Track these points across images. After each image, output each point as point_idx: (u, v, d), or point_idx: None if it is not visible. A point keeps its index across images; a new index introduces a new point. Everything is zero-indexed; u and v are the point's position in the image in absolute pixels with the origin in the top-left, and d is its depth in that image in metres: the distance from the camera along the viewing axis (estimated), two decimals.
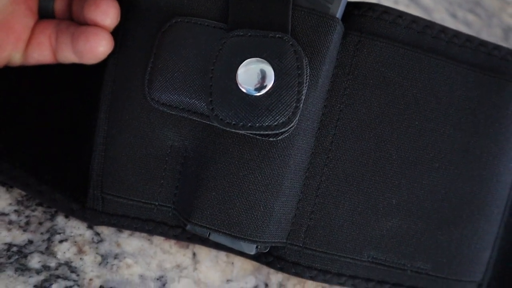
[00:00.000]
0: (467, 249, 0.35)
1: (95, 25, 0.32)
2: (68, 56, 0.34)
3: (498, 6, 0.63)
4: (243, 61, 0.29)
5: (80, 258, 0.33)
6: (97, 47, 0.32)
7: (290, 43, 0.29)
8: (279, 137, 0.30)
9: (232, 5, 0.30)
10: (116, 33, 0.34)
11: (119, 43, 0.33)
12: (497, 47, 0.34)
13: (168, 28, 0.31)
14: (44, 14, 0.36)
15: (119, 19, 0.33)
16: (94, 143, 0.33)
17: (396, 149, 0.33)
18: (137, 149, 0.33)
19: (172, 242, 0.35)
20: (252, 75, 0.29)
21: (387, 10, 0.33)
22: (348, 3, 0.33)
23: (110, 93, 0.33)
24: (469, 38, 0.34)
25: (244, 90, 0.29)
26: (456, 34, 0.34)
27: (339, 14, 0.31)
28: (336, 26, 0.30)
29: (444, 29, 0.34)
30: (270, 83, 0.29)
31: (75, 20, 0.35)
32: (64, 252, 0.33)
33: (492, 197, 0.35)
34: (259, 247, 0.33)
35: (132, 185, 0.33)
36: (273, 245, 0.33)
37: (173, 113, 0.31)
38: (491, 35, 0.59)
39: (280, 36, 0.29)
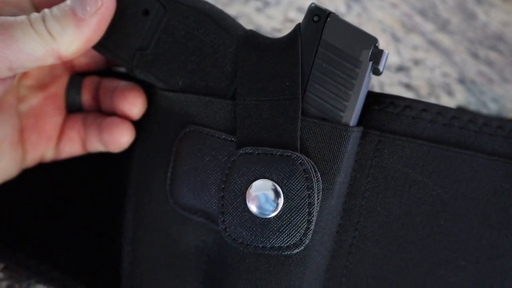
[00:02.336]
0: None
1: (124, 115, 0.35)
2: (96, 146, 0.36)
3: None
4: (252, 181, 0.29)
5: None
6: (120, 138, 0.35)
7: (299, 161, 0.28)
8: (294, 251, 0.29)
9: (238, 118, 0.30)
10: (141, 123, 0.35)
11: (142, 139, 0.35)
12: None
13: (183, 136, 0.32)
14: (72, 107, 0.38)
15: (146, 107, 0.35)
16: (123, 245, 0.35)
17: (420, 249, 0.32)
18: (163, 250, 0.34)
19: None
20: (262, 197, 0.29)
21: (410, 104, 0.31)
22: (368, 95, 0.31)
23: (134, 195, 0.35)
24: (501, 125, 0.32)
25: (254, 212, 0.29)
26: (487, 122, 0.32)
27: (353, 121, 0.30)
28: (350, 136, 0.29)
29: (473, 118, 0.32)
30: (280, 205, 0.28)
31: (102, 109, 0.37)
32: None
33: None
34: None
35: (160, 285, 0.34)
36: None
37: (193, 218, 0.32)
38: None
39: (288, 154, 0.28)
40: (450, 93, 0.54)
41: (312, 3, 0.30)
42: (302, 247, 0.29)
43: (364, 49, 0.29)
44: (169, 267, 0.34)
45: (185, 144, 0.32)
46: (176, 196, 0.32)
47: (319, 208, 0.30)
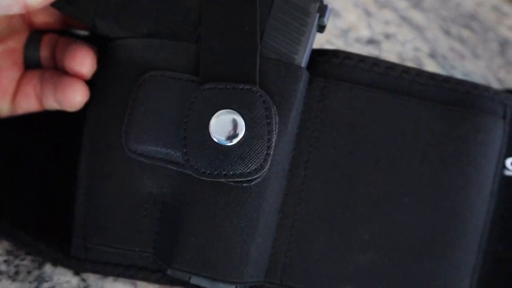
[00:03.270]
0: (443, 280, 0.35)
1: (74, 74, 0.35)
2: (52, 104, 0.36)
3: (494, 19, 0.62)
4: (215, 112, 0.31)
5: None
6: (73, 97, 0.34)
7: (259, 93, 0.31)
8: (253, 183, 0.31)
9: (202, 59, 0.32)
10: (96, 80, 0.35)
11: (99, 92, 0.35)
12: (460, 82, 0.36)
13: (143, 82, 0.33)
14: (31, 64, 0.37)
15: (95, 67, 0.35)
16: (76, 193, 0.35)
17: (366, 186, 0.35)
18: (117, 198, 0.34)
19: (156, 285, 0.36)
20: (224, 125, 0.30)
21: (348, 55, 0.35)
22: (313, 51, 0.34)
23: (89, 144, 0.35)
24: (432, 76, 0.36)
25: (216, 141, 0.30)
26: (419, 72, 0.36)
27: (304, 63, 0.33)
28: (302, 75, 0.33)
29: (406, 69, 0.35)
30: (241, 133, 0.30)
31: (59, 67, 0.37)
32: None
33: (465, 228, 0.36)
34: (237, 287, 0.34)
35: (113, 233, 0.34)
36: (251, 284, 0.34)
37: (150, 162, 0.32)
38: (487, 50, 0.58)
39: (249, 87, 0.31)
40: (420, 66, 0.54)
41: None
42: (262, 173, 0.31)
43: (312, 2, 0.33)
44: (123, 217, 0.34)
45: (145, 89, 0.33)
46: (132, 142, 0.32)
47: (275, 141, 0.32)
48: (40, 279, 0.35)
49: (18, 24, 0.37)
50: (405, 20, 0.58)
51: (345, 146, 0.35)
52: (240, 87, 0.31)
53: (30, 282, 0.35)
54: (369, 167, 0.35)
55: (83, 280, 0.36)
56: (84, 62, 0.34)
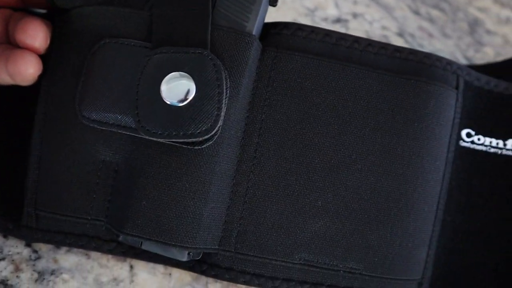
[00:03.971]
0: (399, 248, 0.35)
1: (26, 47, 0.34)
2: (5, 78, 0.35)
3: (464, 0, 0.62)
4: (166, 75, 0.31)
5: (17, 276, 0.34)
6: (25, 70, 0.33)
7: (209, 57, 0.31)
8: (204, 145, 0.31)
9: (155, 26, 0.33)
10: (49, 53, 0.34)
11: (52, 64, 0.34)
12: (413, 52, 0.36)
13: (97, 49, 0.33)
14: None
15: (48, 41, 0.34)
16: (28, 162, 0.34)
17: (318, 153, 0.35)
18: (70, 166, 0.34)
19: (110, 255, 0.36)
20: (175, 87, 0.31)
21: (300, 27, 0.36)
22: (265, 24, 0.36)
23: (43, 113, 0.34)
24: (383, 46, 0.36)
25: (168, 102, 0.31)
26: (370, 43, 0.36)
27: (255, 31, 0.34)
28: (252, 42, 0.33)
29: (357, 40, 0.36)
30: (192, 94, 0.31)
31: (12, 42, 0.36)
32: (1, 271, 0.34)
33: (420, 195, 0.36)
34: (191, 254, 0.34)
35: (65, 201, 0.34)
36: (205, 251, 0.34)
37: (103, 128, 0.32)
38: (456, 30, 0.58)
39: (200, 51, 0.31)
40: None
41: None
42: (213, 134, 0.31)
43: None
44: (75, 185, 0.34)
45: (99, 56, 0.33)
46: (86, 109, 0.32)
47: (227, 106, 0.32)
48: None
49: None
50: (374, 0, 0.58)
51: (297, 114, 0.35)
52: (191, 51, 0.31)
53: None
54: (320, 134, 0.35)
55: (35, 251, 0.35)
56: (36, 36, 0.33)
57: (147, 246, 0.33)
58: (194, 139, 0.31)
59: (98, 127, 0.32)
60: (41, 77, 0.34)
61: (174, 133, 0.31)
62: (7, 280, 0.33)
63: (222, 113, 0.31)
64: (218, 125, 0.31)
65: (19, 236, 0.34)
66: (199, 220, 0.32)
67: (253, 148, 0.35)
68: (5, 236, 0.35)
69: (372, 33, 0.54)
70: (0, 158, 0.36)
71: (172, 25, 0.32)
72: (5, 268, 0.34)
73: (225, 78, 0.32)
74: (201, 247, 0.33)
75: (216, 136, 0.32)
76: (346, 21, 0.54)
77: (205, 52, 0.31)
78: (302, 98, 0.35)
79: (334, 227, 0.35)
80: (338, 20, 0.54)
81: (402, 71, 0.36)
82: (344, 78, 0.35)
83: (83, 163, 0.33)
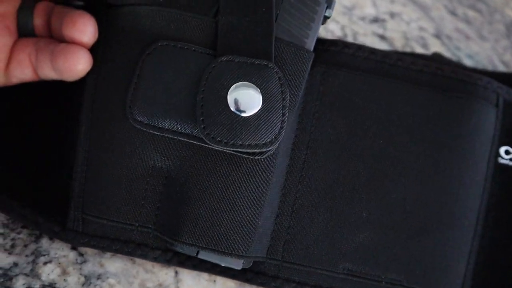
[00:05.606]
0: (439, 260, 0.36)
1: (73, 42, 0.33)
2: (48, 73, 0.35)
3: (501, 1, 0.61)
4: (233, 84, 0.31)
5: (64, 280, 0.34)
6: (76, 65, 0.33)
7: (275, 70, 0.32)
8: (264, 155, 0.32)
9: (220, 33, 0.33)
10: (96, 49, 0.34)
11: (99, 61, 0.34)
12: (454, 70, 0.38)
13: (152, 51, 0.32)
14: (24, 32, 0.36)
15: (97, 36, 0.34)
16: (74, 164, 0.34)
17: (364, 165, 0.36)
18: (118, 170, 0.33)
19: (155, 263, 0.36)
20: (242, 97, 0.31)
21: (347, 44, 0.37)
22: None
23: (90, 113, 0.34)
24: (426, 64, 0.38)
25: (234, 111, 0.31)
26: (413, 61, 0.38)
27: (312, 48, 0.35)
28: (311, 58, 0.34)
29: (401, 58, 0.38)
30: (258, 105, 0.31)
31: (54, 36, 0.36)
32: (48, 274, 0.34)
33: (460, 209, 0.37)
34: (244, 262, 0.34)
35: (112, 206, 0.33)
36: (256, 259, 0.34)
37: (157, 133, 0.32)
38: (493, 32, 0.57)
39: (265, 63, 0.32)
40: (425, 46, 0.53)
41: None
42: (274, 146, 0.31)
43: None
44: (123, 190, 0.33)
45: (154, 58, 0.32)
46: (138, 112, 0.32)
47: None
48: (37, 253, 0.34)
49: None
50: None
51: (344, 127, 0.36)
52: (257, 62, 0.32)
53: (26, 256, 0.34)
54: (367, 147, 0.36)
55: (81, 254, 0.35)
56: (85, 30, 0.33)
57: (203, 255, 0.33)
58: (256, 150, 0.31)
59: (151, 131, 0.32)
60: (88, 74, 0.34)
61: (239, 142, 0.31)
62: (55, 284, 0.33)
63: (285, 126, 0.32)
64: (281, 138, 0.31)
65: (65, 239, 0.34)
66: (255, 229, 0.33)
67: (301, 159, 0.36)
68: (51, 239, 0.35)
69: (410, 34, 0.53)
70: (46, 158, 0.36)
71: (237, 34, 0.32)
72: (52, 271, 0.34)
73: (288, 91, 0.32)
74: (254, 255, 0.34)
75: (276, 147, 0.32)
76: (383, 21, 0.54)
77: (270, 65, 0.32)
78: (349, 112, 0.36)
79: (378, 238, 0.36)
80: (375, 20, 0.53)
81: (445, 87, 0.37)
82: (389, 93, 0.37)
83: (132, 167, 0.33)
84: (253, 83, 0.31)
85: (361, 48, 0.37)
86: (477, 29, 0.57)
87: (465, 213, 0.37)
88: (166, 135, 0.32)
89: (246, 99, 0.31)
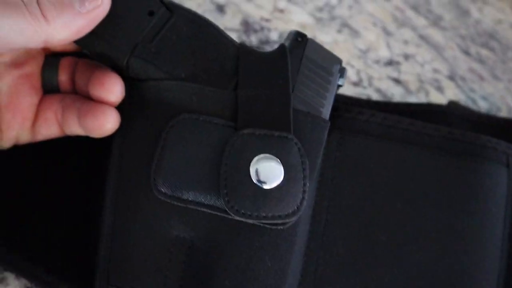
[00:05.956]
0: None
1: (101, 101, 0.34)
2: (75, 130, 0.35)
3: None
4: (255, 156, 0.32)
5: None
6: (104, 124, 0.33)
7: (294, 141, 0.33)
8: (286, 225, 0.32)
9: (240, 106, 0.33)
10: (121, 112, 0.34)
11: (124, 130, 0.34)
12: (463, 133, 0.40)
13: (175, 124, 0.33)
14: (49, 89, 0.37)
15: (124, 93, 0.34)
16: (100, 233, 0.34)
17: (383, 231, 0.37)
18: (143, 240, 0.33)
19: None
20: (264, 169, 0.32)
21: (361, 111, 0.39)
22: None
23: (115, 182, 0.34)
24: (437, 128, 0.39)
25: (257, 183, 0.32)
26: (425, 126, 0.39)
27: (328, 116, 0.36)
28: (327, 127, 0.35)
29: (413, 122, 0.39)
30: (280, 177, 0.32)
31: (78, 91, 0.36)
32: None
33: (479, 271, 0.37)
34: None
35: (137, 277, 0.33)
36: None
37: (181, 205, 0.32)
38: (506, 71, 0.57)
39: (285, 135, 0.33)
40: (439, 89, 0.53)
41: (292, 29, 0.38)
42: (297, 216, 0.32)
43: (334, 64, 0.37)
44: (147, 260, 0.33)
45: (177, 131, 0.33)
46: (162, 184, 0.32)
47: None
48: None
49: (34, 49, 0.36)
50: (424, 39, 0.57)
51: (362, 193, 0.37)
52: (277, 134, 0.32)
53: None
54: (385, 212, 0.37)
55: None
56: (113, 90, 0.33)
57: None
58: (279, 221, 0.32)
59: (175, 203, 0.32)
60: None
61: (263, 214, 0.31)
62: None
63: (306, 196, 0.32)
64: (303, 207, 0.32)
65: None
66: None
67: (321, 225, 0.37)
68: None
69: (424, 76, 0.54)
70: (70, 223, 0.36)
71: (257, 106, 0.33)
72: None
73: (307, 162, 0.33)
74: None
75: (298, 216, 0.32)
76: (398, 63, 0.54)
77: (290, 136, 0.32)
78: (365, 178, 0.38)
79: None
80: (390, 63, 0.54)
81: (457, 151, 0.39)
82: (403, 158, 0.38)
83: (156, 237, 0.33)
84: (274, 155, 0.32)
85: (374, 114, 0.39)
86: (491, 68, 0.57)
87: (484, 275, 0.37)
88: (189, 206, 0.32)
89: (268, 171, 0.32)
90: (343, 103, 0.41)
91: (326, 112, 0.35)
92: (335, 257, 0.36)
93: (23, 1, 0.29)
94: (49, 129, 0.36)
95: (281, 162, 0.32)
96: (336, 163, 0.38)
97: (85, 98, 0.35)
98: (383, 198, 0.37)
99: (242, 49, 0.36)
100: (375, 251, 0.36)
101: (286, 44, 0.37)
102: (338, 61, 0.38)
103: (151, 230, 0.33)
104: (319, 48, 0.37)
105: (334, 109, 0.38)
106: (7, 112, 0.35)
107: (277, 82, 0.34)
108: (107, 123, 0.33)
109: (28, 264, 0.34)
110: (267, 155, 0.32)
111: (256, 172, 0.32)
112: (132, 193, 0.33)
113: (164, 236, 0.33)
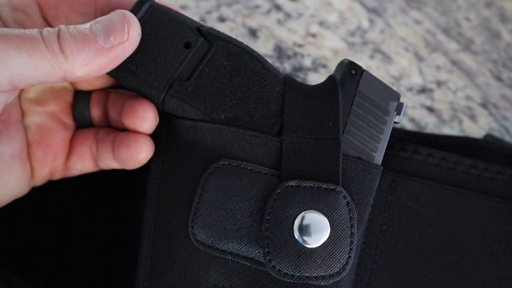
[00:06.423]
0: None
1: (134, 131, 0.33)
2: (110, 163, 0.35)
3: None
4: (300, 212, 0.30)
5: None
6: (138, 154, 0.33)
7: (343, 195, 0.30)
8: (330, 282, 0.30)
9: (285, 154, 0.31)
10: (157, 144, 0.34)
11: (160, 172, 0.34)
12: None
13: (214, 170, 0.31)
14: (82, 123, 0.36)
15: (157, 121, 0.33)
16: (137, 280, 0.34)
17: (433, 283, 0.34)
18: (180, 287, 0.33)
19: None
20: (309, 227, 0.30)
21: (417, 149, 0.35)
22: None
23: (151, 229, 0.33)
24: (500, 171, 0.35)
25: (301, 242, 0.30)
26: (487, 167, 0.35)
27: (380, 161, 0.33)
28: (379, 174, 0.32)
29: (474, 164, 0.35)
30: (326, 235, 0.30)
31: (112, 124, 0.36)
32: None
33: None
34: None
35: None
36: None
37: (220, 256, 0.31)
38: None
39: (333, 187, 0.30)
40: (472, 117, 0.52)
41: (345, 59, 0.34)
42: (342, 276, 0.30)
43: (391, 100, 0.33)
44: None
45: (216, 178, 0.31)
46: (200, 233, 0.31)
47: None
48: None
49: (60, 85, 0.35)
50: (456, 64, 0.57)
51: (413, 241, 0.34)
52: (324, 186, 0.30)
53: None
54: (436, 263, 0.34)
55: None
56: (146, 117, 0.32)
57: None
58: (323, 283, 0.30)
59: (214, 253, 0.31)
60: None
61: (306, 275, 0.29)
62: None
63: (352, 254, 0.30)
64: (348, 267, 0.30)
65: None
66: None
67: (367, 275, 0.34)
68: None
69: (457, 104, 0.53)
70: (107, 270, 0.36)
71: (303, 154, 0.31)
72: None
73: (356, 215, 0.31)
74: None
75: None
76: (430, 90, 0.53)
77: (338, 188, 0.30)
78: (418, 225, 0.34)
79: None
80: (423, 90, 0.53)
81: None
82: (461, 206, 0.34)
83: (194, 286, 0.32)
84: (320, 211, 0.30)
85: (431, 154, 0.35)
86: None
87: None
88: (229, 257, 0.31)
89: (313, 229, 0.30)
90: (399, 139, 0.38)
91: (379, 156, 0.33)
92: None
93: (41, 35, 0.27)
94: (83, 164, 0.35)
95: (328, 218, 0.30)
96: (386, 209, 0.34)
97: (119, 130, 0.35)
98: (435, 248, 0.34)
99: (289, 85, 0.33)
100: None
101: (337, 76, 0.33)
102: (396, 96, 0.34)
103: (190, 280, 0.32)
104: (374, 81, 0.33)
105: (388, 146, 0.35)
106: (38, 149, 0.34)
107: (326, 125, 0.31)
108: (140, 152, 0.32)
109: None
110: (313, 211, 0.30)
111: (301, 229, 0.30)
112: (169, 240, 0.32)
113: (202, 285, 0.32)
